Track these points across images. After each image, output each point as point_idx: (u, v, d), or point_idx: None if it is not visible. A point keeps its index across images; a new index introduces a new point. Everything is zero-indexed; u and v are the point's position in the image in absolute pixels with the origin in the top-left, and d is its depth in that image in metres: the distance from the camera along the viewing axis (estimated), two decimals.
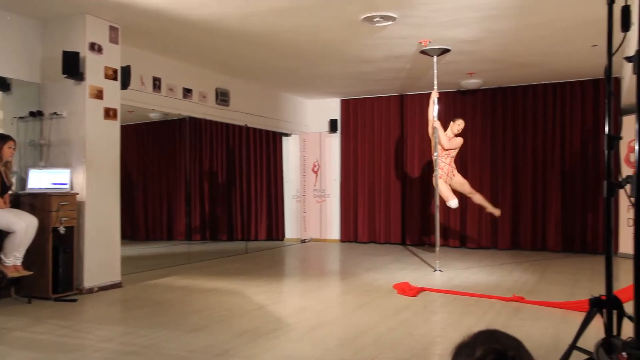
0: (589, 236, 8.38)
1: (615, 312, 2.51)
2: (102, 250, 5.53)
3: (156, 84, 6.89)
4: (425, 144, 9.54)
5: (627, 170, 7.52)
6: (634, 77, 2.07)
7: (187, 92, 7.40)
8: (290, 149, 10.49)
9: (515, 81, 8.68)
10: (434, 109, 6.85)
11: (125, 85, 5.86)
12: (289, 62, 7.37)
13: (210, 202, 10.60)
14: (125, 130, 6.31)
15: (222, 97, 8.10)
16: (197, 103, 7.60)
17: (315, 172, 10.53)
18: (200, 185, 10.60)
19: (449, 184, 7.19)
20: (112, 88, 5.67)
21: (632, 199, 2.05)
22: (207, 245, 10.09)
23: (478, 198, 7.54)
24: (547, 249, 8.64)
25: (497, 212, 7.59)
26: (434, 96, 6.83)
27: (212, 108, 7.93)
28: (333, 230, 10.38)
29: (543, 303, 4.79)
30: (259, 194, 10.48)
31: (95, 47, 5.48)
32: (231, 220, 10.52)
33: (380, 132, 9.97)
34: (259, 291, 5.49)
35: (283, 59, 7.19)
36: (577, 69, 7.74)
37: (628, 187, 2.11)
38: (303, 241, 10.32)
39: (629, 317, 2.27)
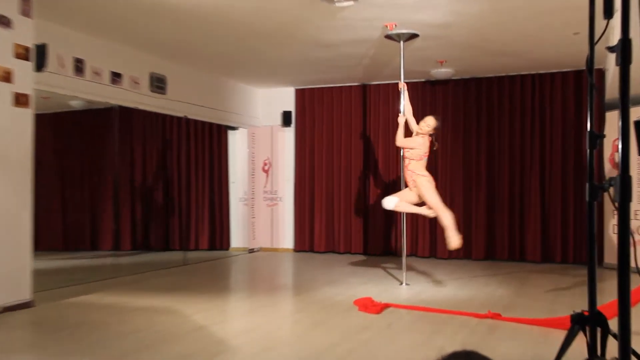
0: (572, 245, 8.64)
1: (599, 329, 2.58)
2: (7, 263, 5.32)
3: (78, 66, 6.71)
4: (391, 140, 9.63)
5: (611, 171, 7.79)
6: (618, 69, 2.13)
7: (115, 76, 7.25)
8: (237, 144, 10.41)
9: (490, 71, 8.87)
10: (401, 102, 6.90)
11: (40, 66, 5.68)
12: (237, 45, 7.31)
13: (142, 205, 10.41)
14: (41, 120, 6.11)
15: (158, 84, 7.97)
16: (128, 90, 7.46)
17: (266, 172, 10.48)
18: (131, 186, 10.39)
19: (416, 193, 6.63)
20: (23, 69, 5.48)
21: (616, 204, 2.10)
22: (138, 256, 9.90)
23: (443, 217, 6.50)
24: (525, 259, 8.86)
25: (454, 241, 6.44)
26: (401, 87, 6.89)
27: (146, 96, 7.80)
28: (286, 238, 10.35)
29: (521, 320, 4.89)
30: (201, 196, 10.36)
31: (2, 21, 5.28)
32: (167, 227, 10.37)
33: (340, 126, 10.01)
34: (199, 309, 5.41)
35: (229, 42, 7.12)
36: (557, 59, 7.98)
37: (612, 190, 2.16)
38: (251, 251, 10.26)
39: (614, 335, 2.34)
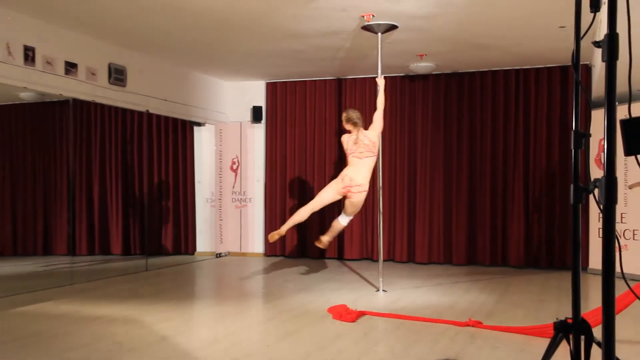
0: (557, 249, 8.77)
1: (582, 337, 2.63)
2: None
3: (29, 54, 6.60)
4: None
5: (597, 172, 7.92)
6: (604, 65, 2.17)
7: (70, 67, 7.16)
8: (203, 141, 10.35)
9: (473, 66, 8.97)
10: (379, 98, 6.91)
11: None
12: (203, 35, 7.27)
13: (100, 207, 10.28)
14: None
15: (117, 75, 7.89)
16: (83, 81, 7.37)
17: (235, 171, 10.44)
18: (88, 186, 10.27)
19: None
20: None
21: (602, 206, 2.14)
22: (96, 261, 9.80)
23: (299, 212, 7.01)
24: (508, 264, 8.98)
25: (275, 233, 6.96)
26: (380, 83, 6.89)
27: (104, 88, 7.71)
28: (256, 242, 10.33)
29: (503, 328, 4.96)
30: (164, 197, 10.28)
31: None
32: (128, 230, 10.26)
33: (314, 123, 10.02)
34: (161, 318, 5.38)
35: (195, 30, 7.08)
36: (543, 54, 8.10)
37: (597, 191, 2.20)
38: (219, 255, 10.22)
39: (598, 344, 2.38)
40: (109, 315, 5.53)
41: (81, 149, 10.19)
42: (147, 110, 8.74)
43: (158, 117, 9.69)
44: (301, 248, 10.07)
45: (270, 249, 10.21)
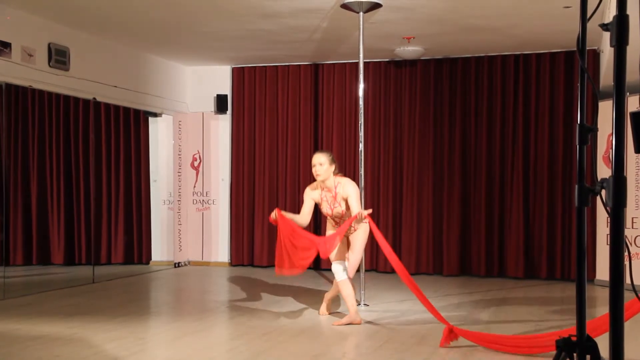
0: (559, 259, 8.87)
1: (588, 357, 2.66)
2: None
3: None
4: (347, 130, 9.69)
5: (605, 171, 7.98)
6: (613, 50, 2.19)
7: (2, 47, 7.08)
8: (160, 134, 10.31)
9: (467, 50, 9.03)
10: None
11: None
12: (160, 12, 7.24)
13: (39, 209, 10.16)
14: None
15: (59, 57, 7.83)
16: (18, 64, 7.29)
17: (196, 168, 10.39)
18: (24, 185, 10.13)
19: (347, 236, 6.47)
20: None
21: (609, 209, 2.17)
22: (33, 271, 9.70)
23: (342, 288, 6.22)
24: (506, 275, 9.06)
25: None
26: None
27: (43, 72, 7.64)
28: (220, 249, 10.31)
29: (488, 336, 5.01)
30: (114, 197, 10.20)
31: None
32: (72, 236, 10.16)
33: (286, 114, 10.01)
34: (111, 337, 5.35)
35: (151, 7, 7.05)
36: (545, 37, 8.18)
37: (605, 193, 2.22)
38: (177, 265, 10.17)
39: None
40: (50, 334, 5.47)
41: (15, 143, 10.04)
42: (94, 98, 8.67)
43: (107, 106, 9.62)
44: (272, 257, 10.04)
45: (237, 258, 10.18)
